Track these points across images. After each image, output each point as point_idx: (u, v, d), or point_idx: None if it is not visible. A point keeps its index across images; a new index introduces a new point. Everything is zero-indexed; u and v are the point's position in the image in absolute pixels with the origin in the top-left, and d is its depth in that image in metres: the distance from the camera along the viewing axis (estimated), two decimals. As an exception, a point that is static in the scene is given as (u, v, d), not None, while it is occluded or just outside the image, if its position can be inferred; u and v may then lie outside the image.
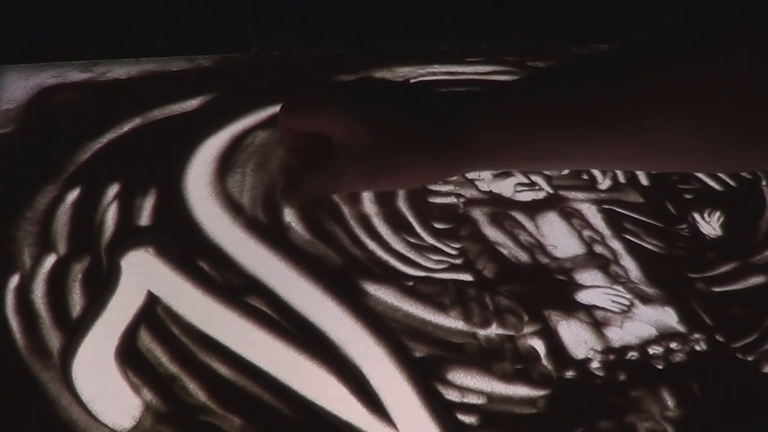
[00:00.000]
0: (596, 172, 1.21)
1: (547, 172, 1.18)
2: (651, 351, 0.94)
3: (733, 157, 0.67)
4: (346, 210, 1.06)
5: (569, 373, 0.90)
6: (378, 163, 0.78)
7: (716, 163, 0.75)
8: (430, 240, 1.04)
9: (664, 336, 0.96)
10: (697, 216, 1.17)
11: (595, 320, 0.96)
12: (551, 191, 1.16)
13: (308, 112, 0.82)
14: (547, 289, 1.00)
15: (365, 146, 0.77)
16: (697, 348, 0.96)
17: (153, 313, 0.88)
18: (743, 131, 0.63)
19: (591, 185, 1.19)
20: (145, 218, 1.00)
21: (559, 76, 0.74)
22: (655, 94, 0.64)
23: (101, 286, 0.90)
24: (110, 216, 0.99)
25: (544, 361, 0.91)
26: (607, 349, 0.93)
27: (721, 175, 1.26)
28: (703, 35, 0.63)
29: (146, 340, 0.85)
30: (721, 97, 0.61)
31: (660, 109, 0.65)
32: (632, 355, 0.93)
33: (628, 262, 1.06)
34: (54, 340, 0.84)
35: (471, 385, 0.87)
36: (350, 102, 0.79)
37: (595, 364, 0.91)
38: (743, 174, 1.28)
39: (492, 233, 1.07)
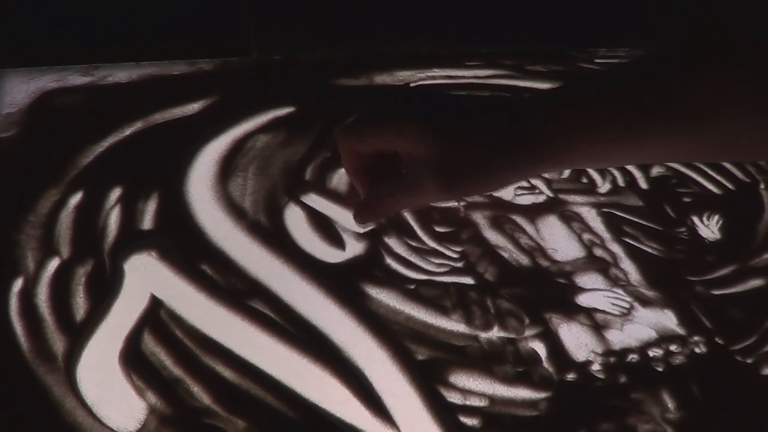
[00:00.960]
0: (595, 176, 1.22)
1: (547, 175, 1.19)
2: (651, 353, 0.94)
3: None
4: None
5: (570, 376, 0.91)
6: (455, 172, 0.79)
7: None
8: (432, 243, 1.05)
9: (664, 338, 0.97)
10: (696, 219, 1.17)
11: (596, 323, 0.97)
12: (551, 195, 1.17)
13: (373, 131, 0.83)
14: (547, 292, 1.01)
15: (439, 157, 0.78)
16: (697, 350, 0.96)
17: (156, 317, 0.88)
18: None
19: (591, 189, 1.20)
20: (147, 222, 1.00)
21: (622, 76, 0.75)
22: (719, 92, 0.66)
23: (105, 289, 0.91)
24: (113, 220, 0.99)
25: (546, 364, 0.92)
26: (608, 352, 0.94)
27: (720, 178, 1.27)
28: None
29: (150, 344, 0.86)
30: None
31: (724, 106, 0.66)
32: (632, 357, 0.94)
33: (628, 265, 1.07)
34: (58, 343, 0.84)
35: (473, 387, 0.88)
36: (415, 115, 0.81)
37: (595, 367, 0.92)
38: (742, 177, 1.29)
39: (493, 236, 1.08)
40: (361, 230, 1.05)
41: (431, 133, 0.78)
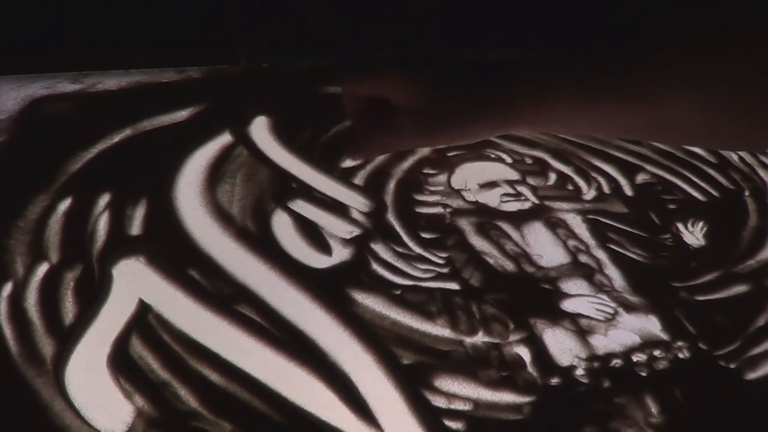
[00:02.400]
0: (581, 183, 1.23)
1: (533, 182, 1.20)
2: (635, 358, 0.95)
3: (735, 134, 0.72)
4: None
5: (554, 380, 0.91)
6: (433, 121, 0.86)
7: (719, 138, 0.84)
8: (418, 249, 1.06)
9: (648, 344, 0.97)
10: (680, 226, 1.18)
11: (580, 328, 0.98)
12: (537, 202, 1.18)
13: (370, 77, 0.88)
14: (532, 297, 1.01)
15: (422, 106, 0.86)
16: (681, 356, 0.97)
17: (144, 321, 0.89)
18: (747, 110, 0.68)
19: (576, 196, 1.21)
20: (136, 228, 1.01)
21: (586, 51, 0.79)
22: (665, 71, 0.69)
23: (93, 294, 0.91)
24: (102, 225, 1.00)
25: (530, 369, 0.92)
26: (592, 357, 0.94)
27: (704, 185, 1.28)
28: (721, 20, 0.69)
29: (138, 348, 0.86)
30: (727, 76, 0.66)
31: (669, 84, 0.70)
32: (616, 362, 0.94)
33: (613, 271, 1.08)
34: (47, 347, 0.85)
35: (458, 391, 0.88)
36: (408, 67, 0.88)
37: (579, 372, 0.92)
38: (726, 184, 1.30)
39: (478, 243, 1.09)
40: (353, 162, 1.12)
41: (415, 82, 0.86)
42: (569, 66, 0.82)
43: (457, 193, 1.17)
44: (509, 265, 1.06)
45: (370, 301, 0.97)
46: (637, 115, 0.78)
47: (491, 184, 1.19)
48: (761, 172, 1.36)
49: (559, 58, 0.84)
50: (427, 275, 1.02)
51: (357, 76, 0.96)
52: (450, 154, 1.22)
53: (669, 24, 0.76)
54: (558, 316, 0.99)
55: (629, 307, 1.02)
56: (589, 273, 1.06)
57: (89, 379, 0.82)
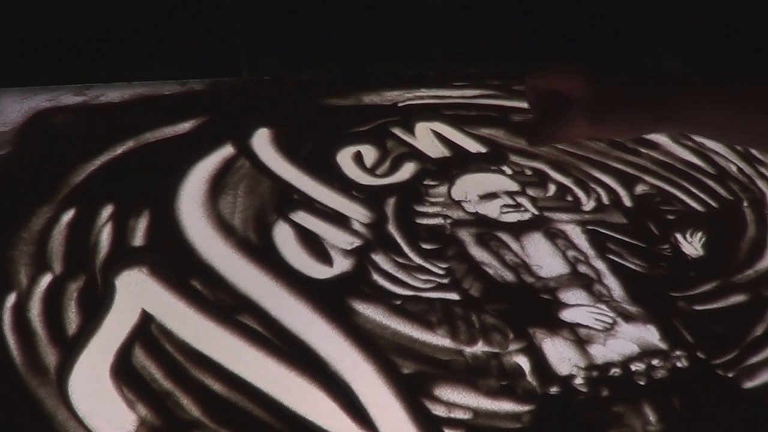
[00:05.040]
0: (581, 194, 1.24)
1: (532, 193, 1.20)
2: (633, 368, 0.96)
3: None
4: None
5: (553, 389, 0.92)
6: (602, 113, 0.90)
7: None
8: (418, 260, 1.06)
9: (646, 353, 0.98)
10: (679, 236, 1.19)
11: (579, 338, 0.98)
12: (536, 212, 1.18)
13: (552, 72, 0.96)
14: (531, 307, 1.02)
15: (594, 99, 0.90)
16: (679, 365, 0.97)
17: (147, 331, 0.89)
18: None
19: (575, 207, 1.21)
20: (138, 239, 1.02)
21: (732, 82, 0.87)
22: None
23: (96, 304, 0.91)
24: (105, 236, 1.00)
25: (529, 378, 0.93)
26: (591, 366, 0.95)
27: (703, 196, 1.29)
28: None
29: (141, 357, 0.87)
30: None
31: None
32: (615, 371, 0.95)
33: (612, 282, 1.08)
34: (50, 357, 0.85)
35: (457, 400, 0.89)
36: (580, 65, 0.93)
37: (578, 381, 0.93)
38: (725, 195, 1.31)
39: (478, 253, 1.09)
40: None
41: (590, 78, 0.91)
42: (720, 89, 0.87)
43: (458, 204, 1.18)
44: (509, 276, 1.06)
45: (370, 311, 0.97)
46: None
47: (491, 195, 1.20)
48: (760, 183, 1.37)
49: (714, 73, 0.90)
50: (428, 285, 1.03)
51: (540, 71, 1.00)
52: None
53: None
54: (557, 326, 1.00)
55: (628, 317, 1.03)
56: (588, 283, 1.07)
57: (92, 389, 0.83)
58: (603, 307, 1.04)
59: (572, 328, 1.00)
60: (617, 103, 0.90)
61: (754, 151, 1.46)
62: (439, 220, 1.14)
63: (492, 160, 1.30)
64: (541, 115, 1.02)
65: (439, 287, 1.03)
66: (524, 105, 1.42)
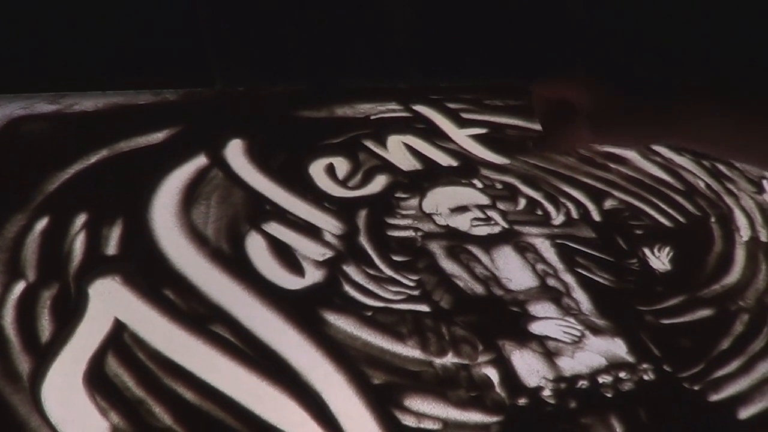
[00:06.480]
0: (550, 208, 1.25)
1: (503, 207, 1.22)
2: (601, 380, 0.97)
3: None
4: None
5: (522, 401, 0.93)
6: (604, 124, 0.95)
7: None
8: (389, 272, 1.07)
9: (614, 366, 0.99)
10: (647, 251, 1.20)
11: (547, 350, 0.99)
12: (506, 226, 1.19)
13: (559, 82, 1.00)
14: (501, 320, 1.03)
15: (595, 108, 0.95)
16: (646, 378, 0.99)
17: (120, 340, 0.89)
18: None
19: (545, 221, 1.23)
20: (112, 247, 1.02)
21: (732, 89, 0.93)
22: None
23: (69, 312, 0.92)
24: (78, 245, 1.01)
25: (498, 389, 0.94)
26: (559, 378, 0.96)
27: (671, 212, 1.31)
28: None
29: (113, 366, 0.87)
30: None
31: None
32: (583, 383, 0.96)
33: (580, 295, 1.09)
34: (23, 364, 0.85)
35: (427, 411, 0.89)
36: (591, 76, 0.98)
37: (546, 392, 0.94)
38: (692, 211, 1.32)
39: (448, 266, 1.10)
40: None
41: (597, 89, 0.96)
42: (722, 92, 0.92)
43: (429, 216, 1.19)
44: (479, 288, 1.07)
45: (341, 322, 0.98)
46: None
47: (462, 209, 1.21)
48: (727, 199, 1.39)
49: (713, 85, 0.94)
50: (398, 297, 1.03)
51: (547, 80, 1.04)
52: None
53: None
54: (526, 338, 1.01)
55: (596, 330, 1.04)
56: (556, 296, 1.08)
57: (65, 396, 0.83)
58: (571, 320, 1.05)
59: (541, 340, 1.01)
60: (620, 113, 0.95)
61: (722, 167, 1.49)
62: (410, 233, 1.15)
63: (463, 173, 1.31)
64: (548, 124, 1.06)
65: (410, 299, 1.04)
66: (495, 119, 1.44)
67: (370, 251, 1.10)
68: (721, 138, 0.92)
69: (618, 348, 1.02)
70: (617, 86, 0.97)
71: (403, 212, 1.19)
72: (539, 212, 1.25)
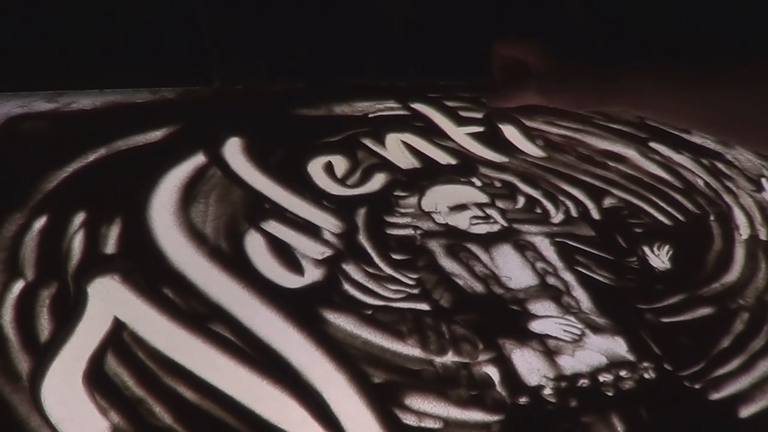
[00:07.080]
0: (549, 206, 1.25)
1: (502, 205, 1.21)
2: (601, 378, 0.97)
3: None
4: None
5: (522, 399, 0.93)
6: (553, 84, 1.05)
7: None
8: (388, 270, 1.07)
9: (614, 364, 0.99)
10: (646, 249, 1.20)
11: (548, 349, 0.99)
12: (506, 224, 1.19)
13: (516, 43, 1.10)
14: (501, 318, 1.03)
15: (547, 70, 1.05)
16: (646, 376, 0.99)
17: (119, 339, 0.89)
18: None
19: (544, 219, 1.22)
20: (111, 246, 1.01)
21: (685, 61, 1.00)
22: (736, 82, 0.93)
23: (69, 311, 0.91)
24: (77, 244, 1.00)
25: (499, 388, 0.94)
26: (559, 377, 0.96)
27: (671, 210, 1.31)
28: None
29: (113, 365, 0.86)
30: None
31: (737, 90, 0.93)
32: (583, 382, 0.96)
33: (580, 293, 1.09)
34: (23, 363, 0.85)
35: (428, 410, 0.89)
36: (541, 40, 1.08)
37: (547, 391, 0.94)
38: (692, 209, 1.32)
39: (448, 264, 1.10)
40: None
41: (546, 53, 1.06)
42: (666, 63, 1.01)
43: (428, 215, 1.19)
44: (478, 287, 1.07)
45: (341, 321, 0.98)
46: (714, 107, 0.95)
47: (461, 207, 1.21)
48: (726, 197, 1.39)
49: (659, 59, 1.06)
50: (398, 296, 1.03)
51: (505, 41, 1.13)
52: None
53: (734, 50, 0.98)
54: (526, 337, 1.00)
55: (596, 329, 1.04)
56: (556, 295, 1.08)
57: (65, 396, 0.82)
58: (571, 318, 1.05)
59: (541, 339, 1.01)
60: (568, 76, 1.04)
61: (720, 166, 1.49)
62: (409, 231, 1.15)
63: (462, 171, 1.31)
64: (502, 79, 1.16)
65: (410, 297, 1.03)
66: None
67: (370, 250, 1.10)
68: (665, 105, 1.00)
69: (618, 346, 1.02)
70: (569, 53, 1.05)
71: (403, 210, 1.19)
72: (538, 210, 1.25)
